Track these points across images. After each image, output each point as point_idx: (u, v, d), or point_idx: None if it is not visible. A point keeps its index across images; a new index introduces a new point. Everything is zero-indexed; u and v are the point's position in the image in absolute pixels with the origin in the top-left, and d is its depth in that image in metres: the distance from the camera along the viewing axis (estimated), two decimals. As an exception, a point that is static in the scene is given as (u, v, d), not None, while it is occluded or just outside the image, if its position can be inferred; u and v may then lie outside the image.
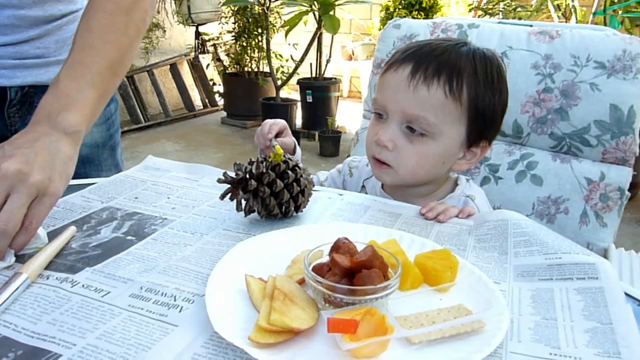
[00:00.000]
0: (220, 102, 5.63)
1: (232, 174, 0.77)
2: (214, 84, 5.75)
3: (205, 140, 4.73)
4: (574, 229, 1.20)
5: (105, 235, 0.74)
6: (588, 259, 0.66)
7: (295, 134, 1.33)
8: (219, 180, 0.76)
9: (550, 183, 1.24)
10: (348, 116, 5.00)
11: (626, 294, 0.61)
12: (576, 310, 0.57)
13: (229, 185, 0.76)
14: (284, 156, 0.78)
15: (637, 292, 0.64)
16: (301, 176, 0.78)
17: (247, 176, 0.75)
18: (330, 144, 4.30)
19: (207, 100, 5.76)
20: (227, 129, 5.14)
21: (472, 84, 0.90)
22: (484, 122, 0.94)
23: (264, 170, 0.76)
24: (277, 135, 1.08)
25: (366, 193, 1.11)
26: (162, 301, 0.58)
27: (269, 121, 1.09)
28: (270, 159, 0.77)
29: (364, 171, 1.15)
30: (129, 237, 0.73)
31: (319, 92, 4.62)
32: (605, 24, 3.71)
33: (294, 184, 0.77)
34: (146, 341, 0.51)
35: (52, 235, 0.71)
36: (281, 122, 1.10)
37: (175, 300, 0.58)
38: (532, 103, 1.26)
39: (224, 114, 5.41)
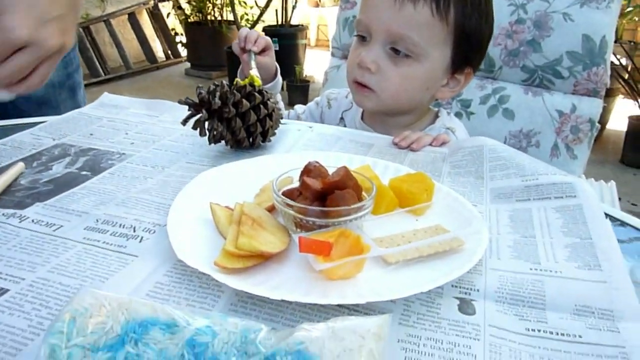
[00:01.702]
0: (184, 52, 5.43)
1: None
2: (176, 34, 5.51)
3: (168, 92, 4.57)
4: (545, 162, 1.19)
5: (58, 171, 0.69)
6: (565, 179, 0.64)
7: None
8: (180, 102, 0.71)
9: (522, 117, 1.23)
10: (316, 65, 4.88)
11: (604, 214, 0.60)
12: (555, 227, 0.56)
13: (190, 111, 0.71)
14: (258, 78, 0.73)
15: (614, 211, 0.63)
16: (268, 99, 0.73)
17: (210, 97, 0.69)
18: (299, 94, 4.20)
19: (169, 52, 5.53)
20: (192, 80, 4.97)
21: (460, 3, 0.86)
22: (469, 45, 0.91)
23: (229, 92, 0.70)
24: (261, 54, 1.04)
25: (345, 125, 1.08)
26: (121, 232, 0.54)
27: (253, 31, 1.04)
28: (235, 82, 0.72)
29: (343, 103, 1.12)
30: (84, 172, 0.68)
31: (285, 40, 4.47)
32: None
33: (261, 106, 0.72)
34: (103, 272, 0.47)
35: (-3, 171, 0.65)
36: (268, 39, 1.06)
37: (134, 231, 0.54)
38: (505, 35, 1.23)
39: (188, 65, 5.23)
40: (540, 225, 0.57)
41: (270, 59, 1.08)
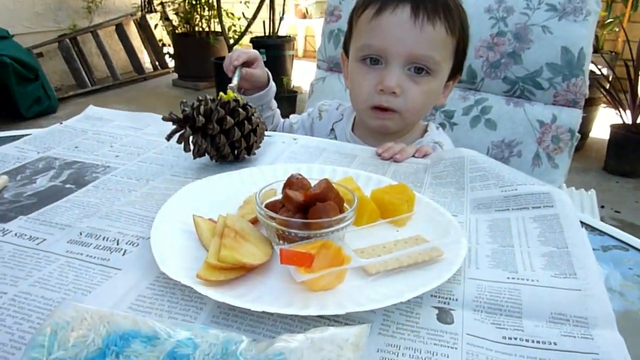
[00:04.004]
0: (171, 63, 5.42)
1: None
2: (164, 44, 5.50)
3: (156, 103, 4.56)
4: (527, 171, 1.19)
5: (42, 184, 0.69)
6: (543, 189, 0.65)
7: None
8: (164, 118, 0.71)
9: (504, 127, 1.25)
10: (304, 76, 4.90)
11: (580, 222, 0.61)
12: (532, 236, 0.57)
13: (175, 126, 0.71)
14: (236, 95, 0.74)
15: (590, 220, 0.65)
16: (252, 114, 0.74)
17: (195, 114, 0.70)
18: (286, 104, 4.21)
19: (157, 62, 5.53)
20: (179, 91, 4.96)
21: (459, 18, 0.91)
22: (463, 54, 0.96)
23: (213, 108, 0.71)
24: (247, 66, 1.05)
25: (335, 136, 1.09)
26: (104, 245, 0.54)
27: (239, 49, 1.05)
28: (219, 97, 0.73)
29: (334, 115, 1.13)
30: (68, 186, 0.68)
31: (273, 51, 4.49)
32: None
33: (245, 122, 0.73)
34: (86, 285, 0.47)
35: (-19, 185, 0.65)
36: (252, 52, 1.07)
37: (118, 244, 0.54)
38: (486, 47, 1.25)
39: (175, 75, 5.22)
40: (519, 235, 0.58)
41: (260, 70, 1.09)
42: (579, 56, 1.18)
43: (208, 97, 0.73)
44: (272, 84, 1.14)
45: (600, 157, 3.25)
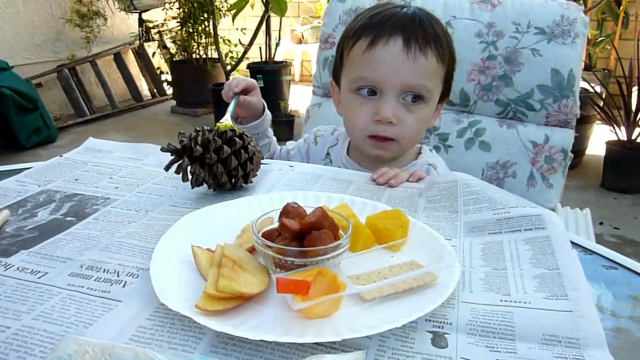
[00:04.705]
0: (169, 90, 5.48)
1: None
2: (162, 72, 5.57)
3: (155, 130, 4.60)
4: (522, 192, 1.23)
5: (43, 217, 0.70)
6: (535, 211, 0.67)
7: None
8: (163, 149, 0.73)
9: (498, 148, 1.26)
10: (301, 100, 4.96)
11: (572, 243, 0.63)
12: (525, 258, 0.58)
13: (173, 157, 0.73)
14: (233, 125, 0.76)
15: (581, 240, 0.66)
16: (249, 143, 0.76)
17: (192, 144, 0.72)
18: (284, 128, 4.25)
19: (155, 90, 5.58)
20: (178, 117, 5.01)
21: (448, 45, 0.95)
22: (452, 78, 1.00)
23: (210, 138, 0.73)
24: (244, 93, 1.07)
25: (331, 161, 1.11)
26: (105, 278, 0.55)
27: (237, 77, 1.08)
28: (216, 127, 0.75)
29: (329, 139, 1.15)
30: (69, 218, 0.70)
31: (270, 76, 4.55)
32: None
33: (242, 150, 0.75)
34: (87, 318, 0.48)
35: (-17, 220, 0.66)
36: (250, 80, 1.10)
37: (118, 276, 0.55)
38: (478, 71, 1.28)
39: (174, 102, 5.27)
40: (511, 257, 0.59)
41: (256, 98, 1.12)
42: (568, 78, 1.20)
43: (205, 127, 0.75)
44: (268, 112, 1.17)
45: (598, 174, 3.27)
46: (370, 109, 0.93)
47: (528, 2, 1.26)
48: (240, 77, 1.11)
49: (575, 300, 0.51)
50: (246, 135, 0.77)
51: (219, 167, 0.73)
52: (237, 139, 0.75)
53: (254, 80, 1.12)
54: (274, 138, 1.23)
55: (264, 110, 1.16)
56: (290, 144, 1.23)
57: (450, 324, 0.48)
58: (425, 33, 0.91)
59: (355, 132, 0.98)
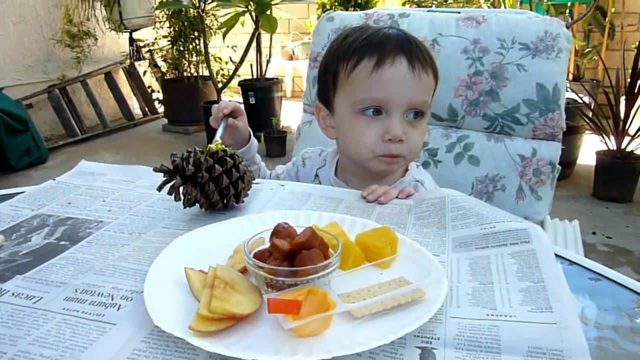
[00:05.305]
0: (161, 109, 5.50)
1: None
2: (153, 91, 5.59)
3: (146, 149, 4.61)
4: (511, 205, 1.25)
5: (37, 242, 0.71)
6: (520, 225, 0.68)
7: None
8: (155, 170, 0.74)
9: (487, 162, 1.28)
10: (293, 116, 4.99)
11: (557, 255, 0.64)
12: (510, 272, 0.60)
13: (165, 177, 0.74)
14: (224, 146, 0.78)
15: (566, 253, 0.67)
16: (240, 163, 0.77)
17: (184, 164, 0.73)
18: (276, 145, 4.28)
19: (146, 109, 5.60)
20: (169, 136, 5.02)
21: (434, 63, 0.99)
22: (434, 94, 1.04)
23: (202, 159, 0.75)
24: (232, 116, 1.08)
25: (320, 182, 1.13)
26: (99, 301, 0.56)
27: (225, 100, 1.10)
28: (207, 148, 0.76)
29: (317, 161, 1.17)
30: (63, 242, 0.70)
31: (261, 93, 4.59)
32: (531, 12, 3.89)
33: (233, 170, 0.76)
34: (82, 342, 0.49)
35: (-22, 246, 0.67)
36: (238, 105, 1.12)
37: (112, 299, 0.56)
38: (465, 87, 1.30)
39: (165, 121, 5.29)
40: (498, 271, 0.60)
41: (243, 123, 1.13)
42: (554, 92, 1.23)
43: (197, 148, 0.77)
44: (254, 139, 1.18)
45: (589, 184, 3.30)
46: (379, 129, 0.94)
47: (512, 19, 1.29)
48: (227, 101, 1.12)
49: (559, 312, 0.52)
50: (237, 155, 0.79)
51: (210, 186, 0.75)
52: (228, 158, 0.76)
53: (241, 105, 1.13)
54: (263, 164, 1.25)
55: (249, 138, 1.17)
56: (279, 168, 1.24)
57: (438, 339, 0.50)
58: (422, 52, 0.95)
59: (363, 153, 0.97)
